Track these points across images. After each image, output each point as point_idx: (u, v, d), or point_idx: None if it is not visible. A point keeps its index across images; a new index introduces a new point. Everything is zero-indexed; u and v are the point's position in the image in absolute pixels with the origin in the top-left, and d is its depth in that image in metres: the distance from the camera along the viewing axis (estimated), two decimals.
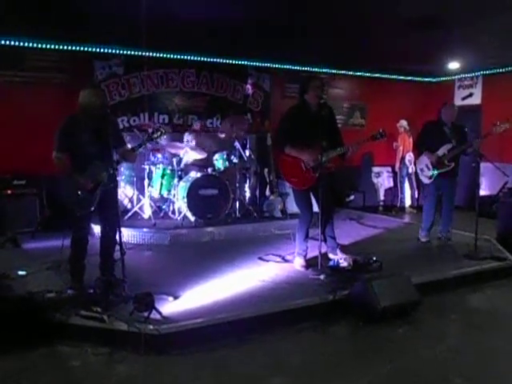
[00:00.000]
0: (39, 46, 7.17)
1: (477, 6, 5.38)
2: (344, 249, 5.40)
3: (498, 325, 4.19)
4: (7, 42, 6.95)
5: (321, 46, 7.58)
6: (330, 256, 5.27)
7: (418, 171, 6.31)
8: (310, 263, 5.12)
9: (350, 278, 4.48)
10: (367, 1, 5.29)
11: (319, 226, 4.89)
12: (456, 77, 10.12)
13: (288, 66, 9.23)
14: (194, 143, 7.26)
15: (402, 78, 10.41)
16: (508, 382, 3.27)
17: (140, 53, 7.86)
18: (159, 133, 4.41)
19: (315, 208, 5.13)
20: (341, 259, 5.07)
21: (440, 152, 5.99)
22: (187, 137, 7.42)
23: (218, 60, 8.56)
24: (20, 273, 4.71)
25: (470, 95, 9.93)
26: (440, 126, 6.09)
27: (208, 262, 5.30)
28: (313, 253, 5.21)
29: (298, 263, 5.17)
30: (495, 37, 6.69)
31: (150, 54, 7.96)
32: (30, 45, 7.11)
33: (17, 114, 7.04)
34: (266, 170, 7.83)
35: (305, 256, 5.21)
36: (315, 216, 5.20)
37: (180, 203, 6.87)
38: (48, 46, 7.23)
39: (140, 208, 7.13)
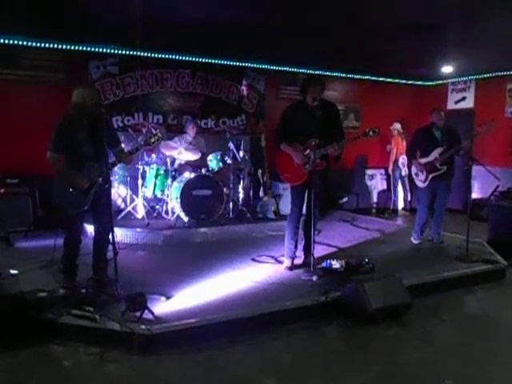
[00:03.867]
0: (34, 44, 7.15)
1: (471, 12, 5.42)
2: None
3: (488, 327, 4.22)
4: (2, 41, 6.92)
5: (316, 49, 7.60)
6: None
7: (413, 176, 6.39)
8: (296, 266, 5.12)
9: (342, 280, 4.50)
10: (363, 5, 5.32)
11: (312, 226, 4.91)
12: (449, 80, 10.19)
13: (283, 68, 9.25)
14: (187, 144, 7.26)
15: (396, 81, 10.47)
16: (498, 382, 3.29)
17: (135, 53, 7.85)
18: (156, 137, 4.39)
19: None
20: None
21: (431, 157, 6.06)
22: (181, 138, 7.41)
23: (213, 61, 8.57)
24: (12, 272, 4.69)
25: (463, 99, 10.00)
26: (430, 131, 6.19)
27: (201, 263, 5.31)
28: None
29: (284, 264, 5.17)
30: (489, 41, 6.74)
31: (145, 54, 7.96)
32: (25, 43, 7.09)
33: (11, 112, 7.02)
34: (259, 171, 7.84)
35: (292, 258, 5.19)
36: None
37: (173, 203, 6.87)
38: (43, 45, 7.21)
39: (133, 208, 7.13)
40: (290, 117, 5.05)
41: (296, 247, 5.21)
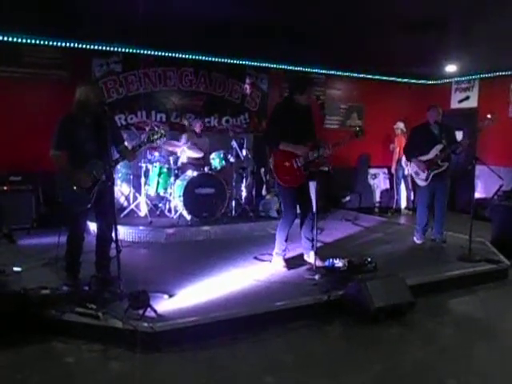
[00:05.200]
0: (38, 42, 7.16)
1: (475, 10, 5.41)
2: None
3: (491, 327, 4.21)
4: (6, 38, 6.93)
5: (319, 47, 7.60)
6: (305, 257, 5.29)
7: (413, 175, 6.38)
8: (290, 263, 5.16)
9: (344, 279, 4.49)
10: (366, 3, 5.31)
11: (315, 225, 4.91)
12: (453, 80, 10.17)
13: (286, 67, 9.24)
14: (191, 142, 7.27)
15: (399, 80, 10.46)
16: (499, 382, 3.29)
17: (138, 51, 7.86)
18: (159, 134, 4.36)
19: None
20: (309, 264, 5.09)
21: (432, 154, 6.05)
22: (185, 137, 7.42)
23: (217, 59, 8.57)
24: (15, 269, 4.70)
25: (467, 98, 9.98)
26: (428, 128, 6.19)
27: (203, 261, 5.31)
28: (293, 253, 5.40)
29: (280, 264, 5.14)
30: (492, 41, 6.73)
31: (149, 52, 7.97)
32: (29, 41, 7.10)
33: (14, 110, 7.03)
34: (262, 170, 7.84)
35: (284, 256, 5.21)
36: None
37: (176, 202, 6.88)
38: (47, 43, 7.23)
39: (136, 206, 7.14)
40: (284, 116, 4.92)
41: (286, 247, 5.24)
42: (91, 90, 4.21)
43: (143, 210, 7.05)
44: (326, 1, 5.25)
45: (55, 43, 7.28)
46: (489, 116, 5.80)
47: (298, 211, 5.19)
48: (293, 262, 5.24)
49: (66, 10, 5.69)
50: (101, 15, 5.90)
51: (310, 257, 5.17)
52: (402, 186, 9.67)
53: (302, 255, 5.34)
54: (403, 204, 9.76)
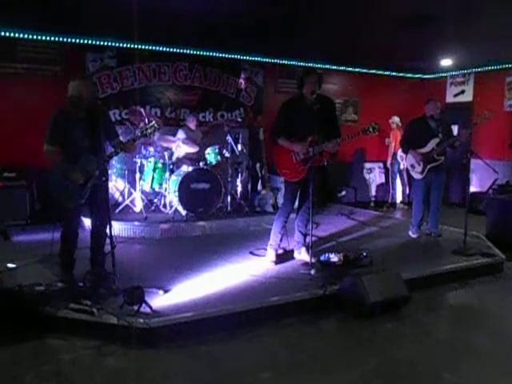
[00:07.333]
0: (31, 37, 7.10)
1: (470, 4, 5.39)
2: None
3: (486, 320, 4.23)
4: None
5: (315, 42, 7.57)
6: (295, 254, 5.30)
7: (409, 167, 6.38)
8: (284, 258, 5.19)
9: (340, 273, 4.49)
10: None
11: (311, 219, 4.90)
12: (448, 74, 10.18)
13: (281, 61, 9.22)
14: (186, 137, 7.25)
15: (395, 74, 10.45)
16: (495, 376, 3.30)
17: (133, 45, 7.81)
18: (152, 128, 4.32)
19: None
20: (300, 260, 5.12)
21: (428, 147, 6.05)
22: (180, 132, 7.40)
23: (211, 54, 8.53)
24: (10, 265, 4.68)
25: (462, 92, 9.99)
26: (425, 122, 6.18)
27: (199, 256, 5.30)
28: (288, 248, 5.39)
29: (269, 257, 5.15)
30: (488, 34, 6.72)
31: (143, 46, 7.92)
32: (22, 36, 7.04)
33: (7, 105, 6.98)
34: (257, 165, 7.82)
35: (277, 250, 5.22)
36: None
37: (171, 197, 6.86)
38: (40, 38, 7.17)
39: (131, 201, 7.11)
40: (289, 111, 4.95)
41: (281, 240, 5.24)
42: (84, 85, 4.17)
43: (138, 206, 7.02)
44: None
45: (49, 38, 7.22)
46: (474, 121, 5.84)
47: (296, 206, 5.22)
48: (288, 257, 5.26)
49: (60, 4, 5.64)
50: (95, 9, 5.84)
51: (302, 253, 5.19)
52: (398, 181, 9.69)
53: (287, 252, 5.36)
54: (399, 198, 9.78)
